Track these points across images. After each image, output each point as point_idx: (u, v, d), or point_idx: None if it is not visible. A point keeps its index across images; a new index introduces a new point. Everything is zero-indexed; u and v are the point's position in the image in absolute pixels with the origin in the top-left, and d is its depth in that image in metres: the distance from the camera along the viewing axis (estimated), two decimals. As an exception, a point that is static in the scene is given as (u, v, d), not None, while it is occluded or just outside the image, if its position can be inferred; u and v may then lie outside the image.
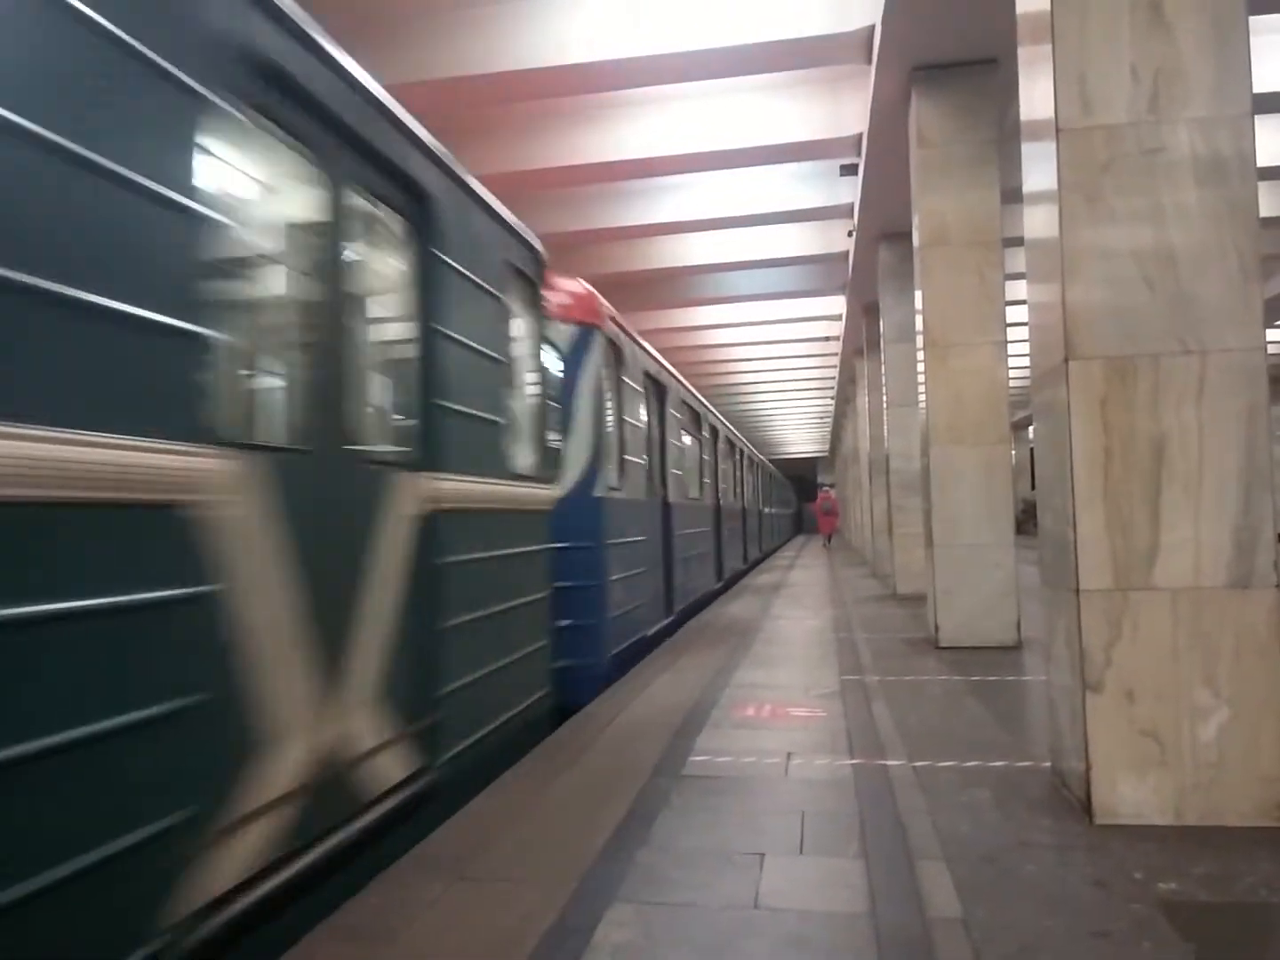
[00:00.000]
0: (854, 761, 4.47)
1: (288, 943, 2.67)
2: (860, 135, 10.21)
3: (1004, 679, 6.54)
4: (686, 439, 12.16)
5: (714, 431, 15.21)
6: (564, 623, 6.14)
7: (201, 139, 2.46)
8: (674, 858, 3.28)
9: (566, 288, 7.18)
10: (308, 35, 3.03)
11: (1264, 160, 4.02)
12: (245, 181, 3.40)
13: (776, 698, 6.02)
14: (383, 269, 3.96)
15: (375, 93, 3.50)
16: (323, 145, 3.19)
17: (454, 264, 4.16)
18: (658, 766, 4.46)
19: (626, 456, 8.05)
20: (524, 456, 5.25)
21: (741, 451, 21.28)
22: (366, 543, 3.41)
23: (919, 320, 8.24)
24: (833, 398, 32.77)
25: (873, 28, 7.98)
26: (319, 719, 3.02)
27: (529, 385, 5.52)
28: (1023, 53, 4.05)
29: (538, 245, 5.56)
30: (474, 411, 4.39)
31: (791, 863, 3.23)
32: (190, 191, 2.37)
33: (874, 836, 3.43)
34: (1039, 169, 3.86)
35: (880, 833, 3.47)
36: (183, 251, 2.35)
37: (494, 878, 3.17)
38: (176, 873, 2.27)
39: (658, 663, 7.67)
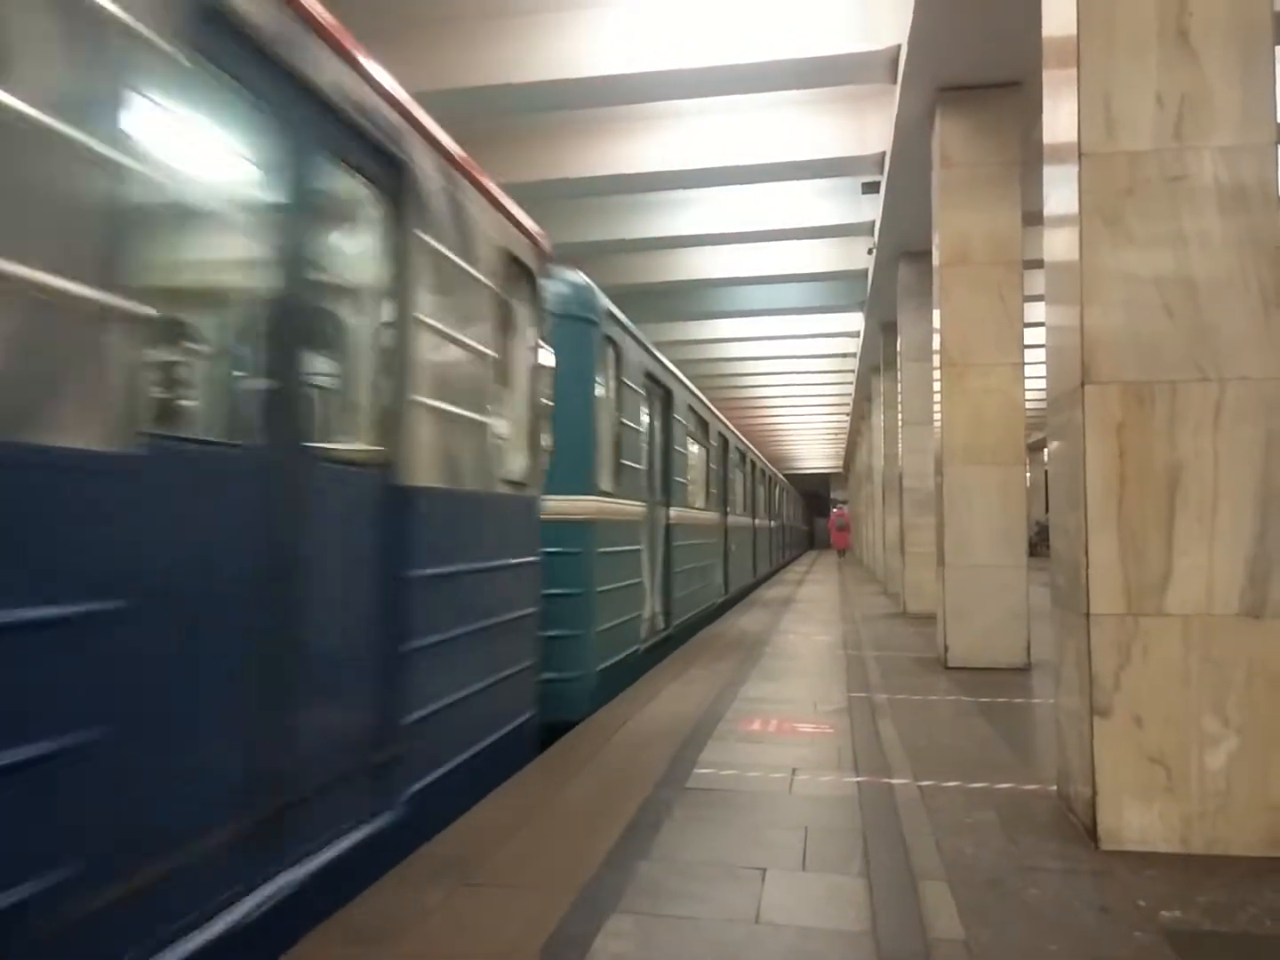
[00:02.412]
0: (859, 779, 4.45)
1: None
2: (883, 153, 10.23)
3: (1012, 701, 6.51)
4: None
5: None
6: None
7: None
8: (675, 870, 3.28)
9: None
10: None
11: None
12: None
13: (783, 712, 6.01)
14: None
15: None
16: None
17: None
18: (662, 778, 4.46)
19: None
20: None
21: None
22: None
23: (937, 339, 8.24)
24: (848, 414, 32.72)
25: (899, 47, 8.01)
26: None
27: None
28: (1048, 76, 4.06)
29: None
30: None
31: (794, 879, 3.22)
32: None
33: (877, 855, 3.42)
34: (1061, 192, 3.87)
35: (884, 851, 3.46)
36: None
37: (496, 884, 3.17)
38: None
39: (664, 674, 7.66)
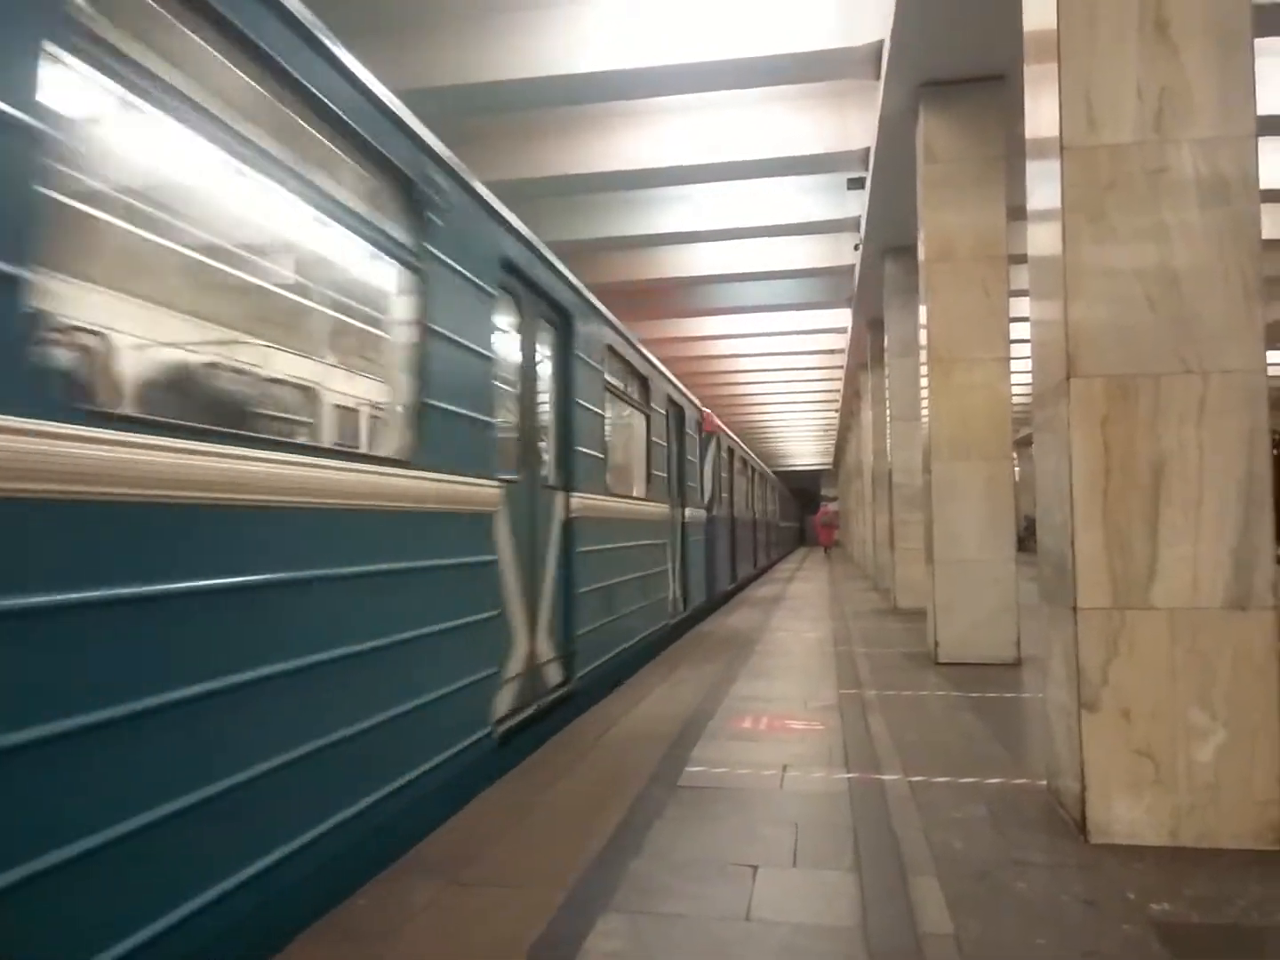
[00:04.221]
0: (850, 775, 4.46)
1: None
2: (868, 149, 10.24)
3: (1002, 696, 6.53)
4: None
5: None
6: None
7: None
8: (667, 868, 3.28)
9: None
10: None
11: (1267, 183, 4.03)
12: None
13: (774, 710, 6.01)
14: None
15: None
16: None
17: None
18: (653, 776, 4.46)
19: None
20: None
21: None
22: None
23: (923, 335, 8.25)
24: (837, 411, 32.78)
25: (882, 43, 8.01)
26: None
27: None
28: (1029, 70, 4.06)
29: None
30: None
31: (784, 875, 3.23)
32: None
33: (868, 850, 3.42)
34: (1043, 186, 3.87)
35: (874, 847, 3.46)
36: None
37: (487, 883, 3.17)
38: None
39: (655, 673, 7.66)
